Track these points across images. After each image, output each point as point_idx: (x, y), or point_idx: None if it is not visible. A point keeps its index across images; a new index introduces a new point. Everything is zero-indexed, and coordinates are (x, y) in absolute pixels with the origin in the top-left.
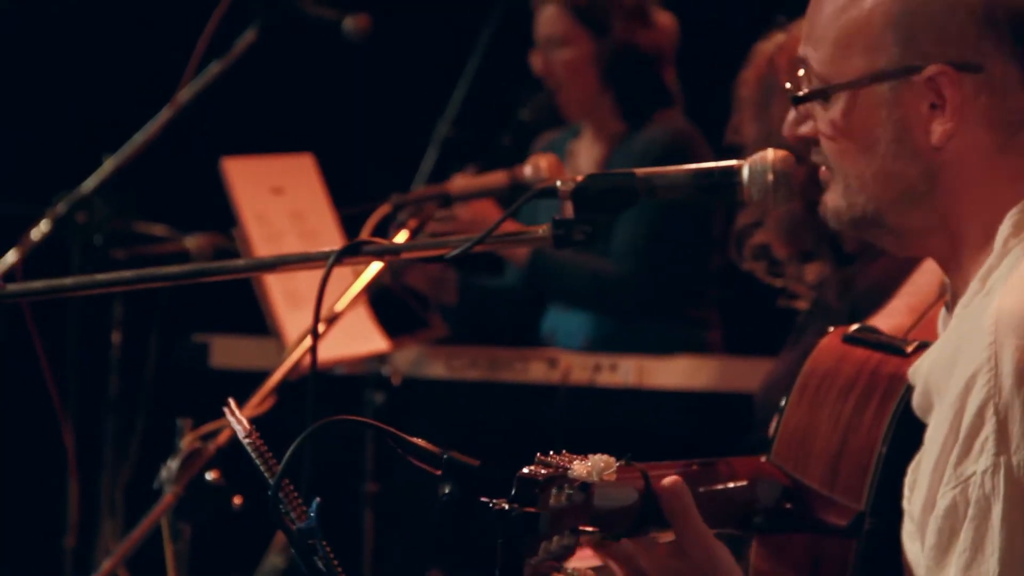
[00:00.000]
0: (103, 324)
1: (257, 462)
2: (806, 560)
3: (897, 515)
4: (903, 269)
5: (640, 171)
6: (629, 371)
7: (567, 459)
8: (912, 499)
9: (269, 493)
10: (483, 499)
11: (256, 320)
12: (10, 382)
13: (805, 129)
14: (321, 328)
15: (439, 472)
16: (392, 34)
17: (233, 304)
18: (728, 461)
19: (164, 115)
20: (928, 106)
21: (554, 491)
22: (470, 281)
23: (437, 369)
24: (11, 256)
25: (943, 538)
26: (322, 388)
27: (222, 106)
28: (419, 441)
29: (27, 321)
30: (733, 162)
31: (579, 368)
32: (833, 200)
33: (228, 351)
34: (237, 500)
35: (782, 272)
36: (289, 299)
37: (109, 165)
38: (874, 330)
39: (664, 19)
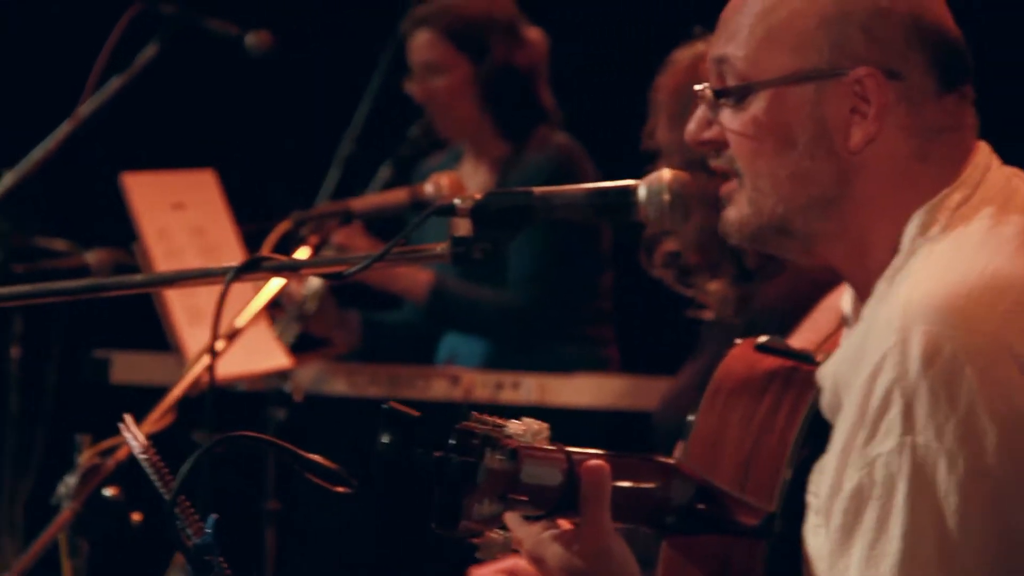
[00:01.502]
0: (2, 339)
1: (153, 478)
2: (716, 562)
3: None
4: (801, 291)
5: (538, 190)
6: (531, 389)
7: (503, 420)
8: (818, 489)
9: (165, 509)
10: (420, 449)
11: (157, 336)
12: None
13: (710, 133)
14: (222, 344)
15: (338, 489)
16: (295, 51)
17: (134, 320)
18: (646, 457)
19: (64, 129)
20: (850, 109)
21: (488, 451)
22: (370, 319)
23: (339, 386)
24: None
25: (848, 518)
26: (223, 404)
27: (124, 121)
28: (316, 457)
29: None
30: (629, 182)
31: (481, 385)
32: (738, 210)
33: (129, 367)
34: (136, 517)
35: (691, 281)
36: (191, 315)
37: (8, 179)
38: (784, 342)
39: (534, 35)
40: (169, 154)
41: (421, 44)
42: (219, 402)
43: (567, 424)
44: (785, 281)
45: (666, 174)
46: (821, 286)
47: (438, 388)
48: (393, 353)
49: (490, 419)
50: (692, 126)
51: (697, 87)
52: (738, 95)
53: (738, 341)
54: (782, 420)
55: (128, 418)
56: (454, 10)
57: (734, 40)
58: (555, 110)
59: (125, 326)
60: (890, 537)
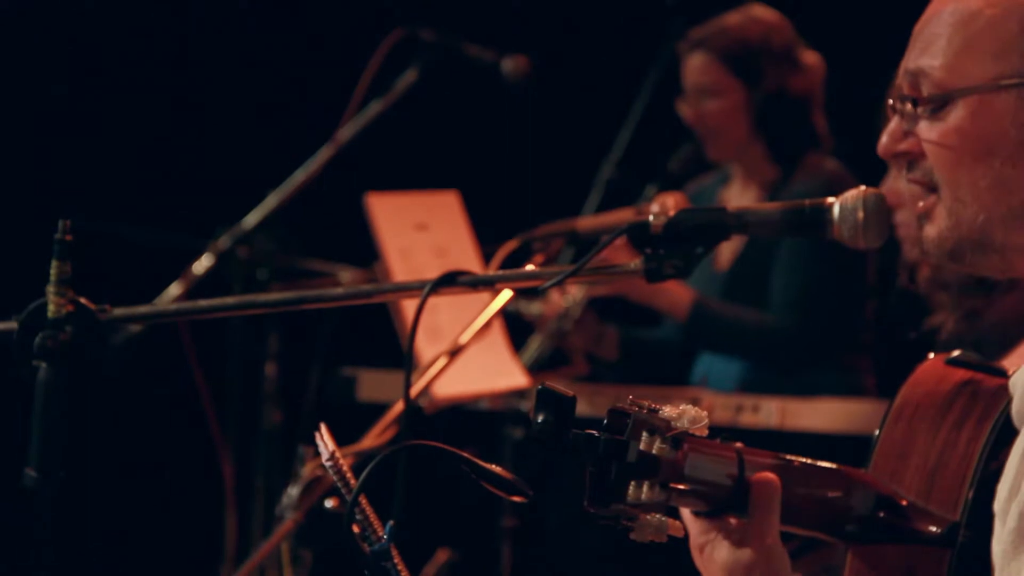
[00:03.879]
0: (258, 356)
1: (339, 485)
2: (900, 572)
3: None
4: None
5: (732, 207)
6: (772, 412)
7: (660, 404)
8: (999, 494)
9: (345, 516)
10: (574, 428)
11: (401, 354)
12: (169, 414)
13: (904, 145)
14: (445, 360)
15: (517, 499)
16: (550, 76)
17: (380, 338)
18: (828, 465)
19: (324, 153)
20: None
21: (645, 434)
22: (629, 334)
23: (579, 406)
24: (174, 289)
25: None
26: (461, 421)
27: (380, 144)
28: (495, 468)
29: (188, 354)
30: (825, 199)
31: (721, 408)
32: (936, 226)
33: (375, 385)
34: (355, 528)
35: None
36: (430, 333)
37: (271, 201)
38: (976, 356)
39: (811, 59)
40: (427, 177)
41: (695, 67)
42: (456, 419)
43: (808, 449)
44: (1017, 297)
45: (861, 192)
46: None
47: None
48: (649, 370)
49: (645, 402)
50: (885, 139)
51: (889, 101)
52: (937, 104)
53: (930, 355)
54: (968, 432)
55: (323, 427)
56: (730, 33)
57: (928, 51)
58: (827, 136)
59: (371, 345)
60: None
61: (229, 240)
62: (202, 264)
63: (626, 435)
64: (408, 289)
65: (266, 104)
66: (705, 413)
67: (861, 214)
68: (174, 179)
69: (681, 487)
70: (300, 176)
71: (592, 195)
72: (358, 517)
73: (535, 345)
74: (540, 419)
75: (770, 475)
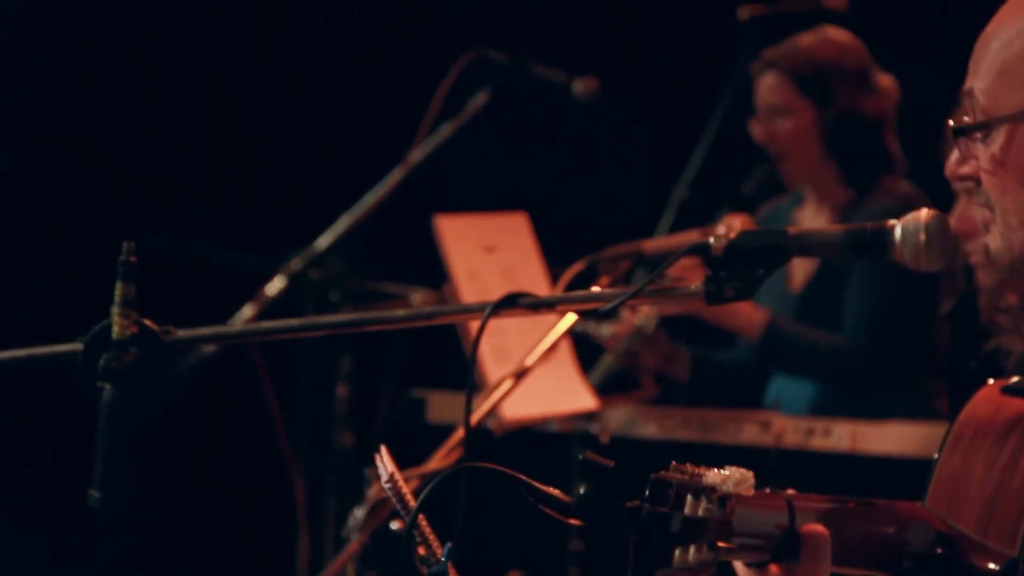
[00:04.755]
0: (330, 378)
1: (397, 507)
2: None
3: None
4: None
5: (793, 229)
6: (843, 436)
7: (703, 468)
8: None
9: (404, 536)
10: (615, 499)
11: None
12: (241, 436)
13: (967, 168)
14: (510, 383)
15: (572, 521)
16: (621, 97)
17: (450, 360)
18: (883, 503)
19: (396, 175)
20: None
21: (690, 498)
22: (701, 355)
23: (648, 429)
24: (247, 311)
25: None
26: (531, 443)
27: (451, 165)
28: (551, 490)
29: (260, 375)
30: (888, 221)
31: (792, 432)
32: (993, 242)
33: (443, 406)
34: (422, 550)
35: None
36: (497, 355)
37: (343, 223)
38: None
39: (886, 81)
40: (495, 198)
41: (767, 87)
42: (526, 440)
43: (880, 472)
44: None
45: (923, 214)
46: None
47: (748, 433)
48: (720, 392)
49: (690, 468)
50: (951, 161)
51: (951, 122)
52: (977, 131)
53: (990, 381)
54: None
55: (383, 449)
56: (803, 54)
57: (978, 74)
58: (901, 159)
59: (443, 366)
60: None
61: (301, 262)
62: (275, 286)
63: (669, 506)
64: (469, 311)
65: (339, 126)
66: (751, 473)
67: (923, 236)
68: (248, 200)
69: (730, 545)
70: (372, 198)
71: (664, 217)
72: (417, 539)
73: (604, 364)
74: (582, 491)
75: (818, 527)
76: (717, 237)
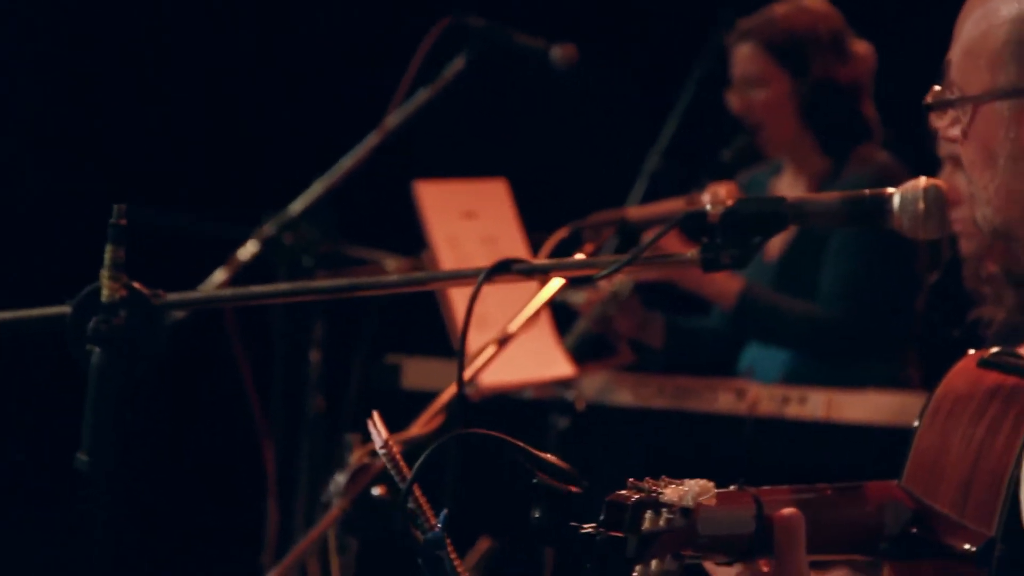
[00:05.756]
0: (303, 343)
1: (392, 473)
2: None
3: None
4: None
5: (791, 197)
6: (818, 404)
7: (662, 483)
8: None
9: (399, 503)
10: (571, 524)
11: (447, 342)
12: (212, 400)
13: (955, 132)
14: (494, 349)
15: (573, 489)
16: (599, 65)
17: (427, 326)
18: (856, 486)
19: (372, 140)
20: None
21: (649, 515)
22: (675, 322)
23: (623, 397)
24: (219, 276)
25: None
26: (506, 410)
27: (428, 132)
28: (549, 457)
29: (232, 340)
30: (886, 189)
31: (767, 400)
32: (976, 211)
33: (419, 372)
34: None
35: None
36: (477, 321)
37: (317, 188)
38: (1013, 353)
39: (861, 48)
40: (470, 165)
41: (742, 57)
42: (502, 408)
43: (854, 440)
44: None
45: (922, 181)
46: None
47: (724, 402)
48: (694, 360)
49: (649, 484)
50: (944, 120)
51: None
52: (944, 108)
53: (970, 352)
54: (1002, 441)
55: (375, 414)
56: (777, 24)
57: (955, 47)
58: (879, 127)
59: (417, 332)
60: None
61: (275, 227)
62: (247, 250)
63: (624, 528)
64: (462, 277)
65: (314, 90)
66: (712, 484)
67: (922, 205)
68: (221, 165)
69: (695, 553)
70: (347, 163)
71: (637, 185)
72: (411, 505)
73: (578, 330)
74: (536, 515)
75: (790, 510)
76: (713, 205)
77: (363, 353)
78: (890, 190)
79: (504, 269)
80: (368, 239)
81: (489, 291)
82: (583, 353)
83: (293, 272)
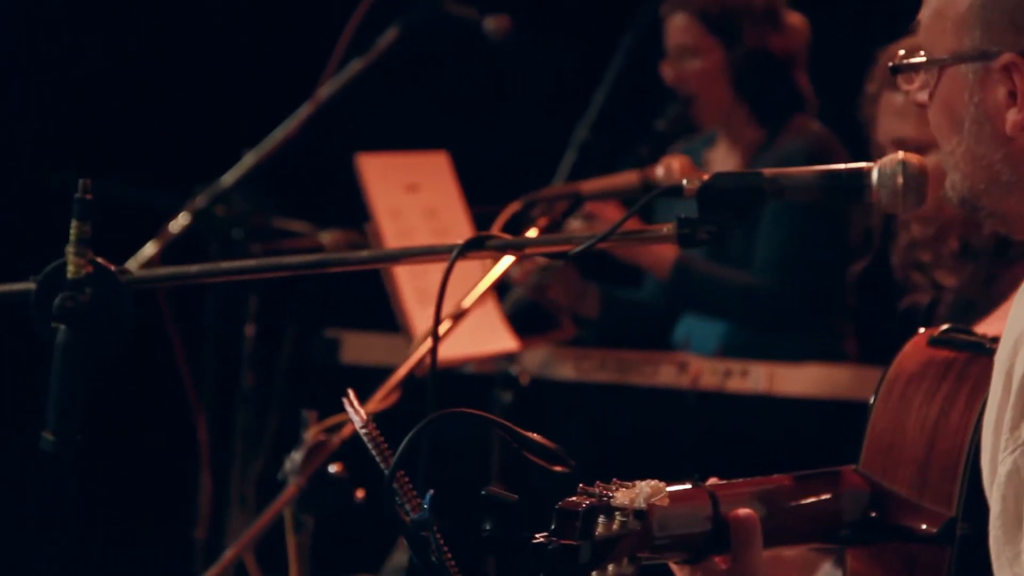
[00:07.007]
0: (237, 317)
1: (373, 453)
2: (901, 566)
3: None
4: None
5: (767, 171)
6: (760, 378)
7: (613, 487)
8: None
9: (383, 485)
10: (522, 533)
11: (387, 317)
12: (144, 373)
13: (923, 96)
14: (448, 324)
15: (557, 468)
16: (534, 34)
17: (366, 300)
18: (812, 474)
19: (304, 111)
20: (1006, 93)
21: (602, 519)
22: (611, 293)
23: (566, 371)
24: (149, 248)
25: (1008, 504)
26: (450, 385)
27: (361, 103)
28: (535, 436)
29: (164, 314)
30: (862, 164)
31: (709, 373)
32: (948, 176)
33: (359, 347)
34: (360, 494)
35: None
36: (420, 296)
37: (249, 160)
38: (963, 330)
39: (795, 20)
40: (405, 136)
41: (676, 27)
42: (446, 383)
43: (795, 414)
44: None
45: (900, 155)
46: None
47: (666, 375)
48: (629, 331)
49: (600, 488)
50: (915, 83)
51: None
52: (910, 71)
53: (921, 330)
54: (956, 419)
55: (351, 393)
56: None
57: (923, 9)
58: (812, 97)
59: (356, 306)
60: None
61: (206, 199)
62: (178, 223)
63: (577, 535)
64: (435, 253)
65: (247, 61)
66: (663, 484)
67: (900, 179)
68: (151, 136)
69: (651, 554)
70: (279, 135)
71: (566, 157)
72: (396, 488)
73: (513, 299)
74: (486, 527)
75: (745, 511)
76: (690, 180)
77: (296, 327)
78: (868, 164)
79: (478, 245)
80: (301, 212)
81: (432, 267)
82: (519, 323)
83: (224, 245)
